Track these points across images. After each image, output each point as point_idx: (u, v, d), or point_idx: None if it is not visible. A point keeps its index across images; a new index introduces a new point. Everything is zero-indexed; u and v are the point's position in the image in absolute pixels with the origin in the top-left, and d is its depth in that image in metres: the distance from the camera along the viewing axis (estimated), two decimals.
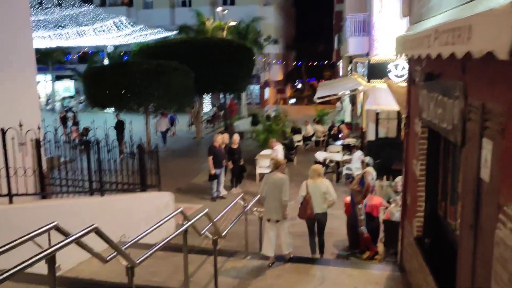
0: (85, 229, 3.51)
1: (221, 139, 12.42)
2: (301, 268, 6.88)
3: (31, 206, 7.08)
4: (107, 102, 16.98)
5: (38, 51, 41.51)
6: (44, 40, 27.55)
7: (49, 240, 4.46)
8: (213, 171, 12.04)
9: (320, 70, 55.71)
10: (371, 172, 8.04)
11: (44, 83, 49.33)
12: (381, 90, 12.92)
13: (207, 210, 5.85)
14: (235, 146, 12.67)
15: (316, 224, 7.85)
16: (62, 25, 25.12)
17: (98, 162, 8.43)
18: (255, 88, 45.95)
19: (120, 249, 3.79)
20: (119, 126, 18.32)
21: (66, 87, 49.38)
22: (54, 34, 26.89)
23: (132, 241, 4.57)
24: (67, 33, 26.62)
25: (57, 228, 3.76)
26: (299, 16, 65.07)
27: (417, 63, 5.66)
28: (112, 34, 28.04)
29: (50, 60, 43.78)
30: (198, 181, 14.49)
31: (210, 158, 12.03)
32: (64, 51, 44.05)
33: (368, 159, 8.28)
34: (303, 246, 8.58)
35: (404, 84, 7.66)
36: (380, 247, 8.65)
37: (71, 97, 44.33)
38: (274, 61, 46.36)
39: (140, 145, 9.38)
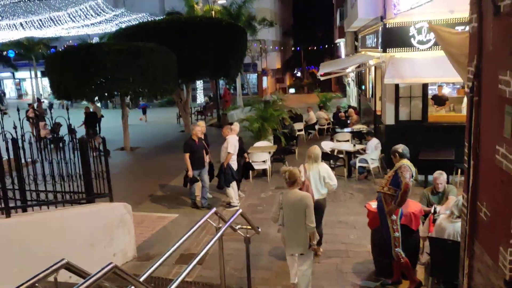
0: None
1: (200, 130, 9.64)
2: None
3: None
4: (73, 91, 14.38)
5: (20, 45, 39.38)
6: (16, 30, 24.92)
7: None
8: (190, 173, 9.29)
9: (320, 56, 52.95)
10: (409, 166, 5.44)
11: (30, 80, 46.89)
12: (403, 60, 10.32)
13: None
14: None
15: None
16: (32, 9, 22.42)
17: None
18: (252, 77, 43.33)
19: None
20: (90, 120, 15.74)
21: None
22: (26, 22, 24.25)
23: None
24: (40, 20, 23.95)
25: None
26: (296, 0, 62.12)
27: None
28: (90, 20, 25.38)
29: (33, 55, 41.14)
30: (180, 180, 11.89)
31: (187, 155, 9.29)
32: (48, 45, 41.44)
33: (402, 147, 5.67)
34: None
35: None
36: (420, 272, 6.11)
37: None
38: (271, 48, 43.63)
39: (81, 139, 6.79)
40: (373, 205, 6.11)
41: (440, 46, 10.16)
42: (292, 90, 52.26)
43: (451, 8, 9.55)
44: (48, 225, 5.70)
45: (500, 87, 3.50)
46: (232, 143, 9.40)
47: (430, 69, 9.72)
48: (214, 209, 5.05)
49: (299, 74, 61.65)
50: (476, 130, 4.11)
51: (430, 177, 10.34)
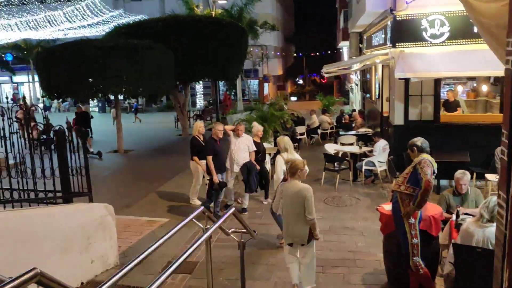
0: None
1: (221, 131, 8.33)
2: None
3: None
4: (64, 90, 13.69)
5: (18, 48, 38.82)
6: (11, 31, 24.27)
7: None
8: (216, 178, 8.01)
9: (322, 63, 52.42)
10: (431, 161, 4.70)
11: (28, 84, 46.30)
12: (414, 55, 9.60)
13: None
14: (258, 139, 9.15)
15: None
16: (27, 9, 21.81)
17: None
18: (253, 83, 42.69)
19: None
20: (82, 120, 15.02)
21: None
22: (21, 22, 23.63)
23: None
24: (35, 20, 23.32)
25: None
26: (297, 7, 61.78)
27: None
28: (87, 20, 24.76)
29: (31, 58, 40.56)
30: (174, 184, 11.16)
31: (210, 158, 8.04)
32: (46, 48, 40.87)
33: (421, 140, 4.95)
34: None
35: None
36: (439, 284, 5.33)
37: None
38: (272, 53, 43.06)
39: (57, 132, 6.06)
40: (386, 207, 5.36)
41: (449, 41, 9.54)
42: (293, 98, 51.66)
43: None
44: (9, 226, 4.92)
45: None
46: (251, 141, 8.71)
47: (444, 63, 9.00)
48: (201, 208, 4.31)
49: (300, 82, 60.98)
50: None
51: (442, 182, 9.62)
